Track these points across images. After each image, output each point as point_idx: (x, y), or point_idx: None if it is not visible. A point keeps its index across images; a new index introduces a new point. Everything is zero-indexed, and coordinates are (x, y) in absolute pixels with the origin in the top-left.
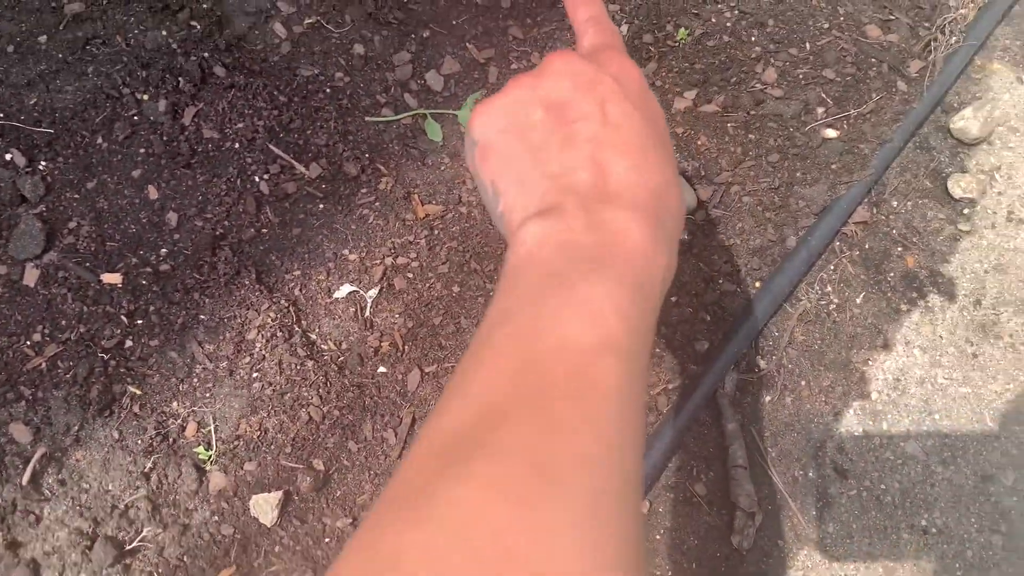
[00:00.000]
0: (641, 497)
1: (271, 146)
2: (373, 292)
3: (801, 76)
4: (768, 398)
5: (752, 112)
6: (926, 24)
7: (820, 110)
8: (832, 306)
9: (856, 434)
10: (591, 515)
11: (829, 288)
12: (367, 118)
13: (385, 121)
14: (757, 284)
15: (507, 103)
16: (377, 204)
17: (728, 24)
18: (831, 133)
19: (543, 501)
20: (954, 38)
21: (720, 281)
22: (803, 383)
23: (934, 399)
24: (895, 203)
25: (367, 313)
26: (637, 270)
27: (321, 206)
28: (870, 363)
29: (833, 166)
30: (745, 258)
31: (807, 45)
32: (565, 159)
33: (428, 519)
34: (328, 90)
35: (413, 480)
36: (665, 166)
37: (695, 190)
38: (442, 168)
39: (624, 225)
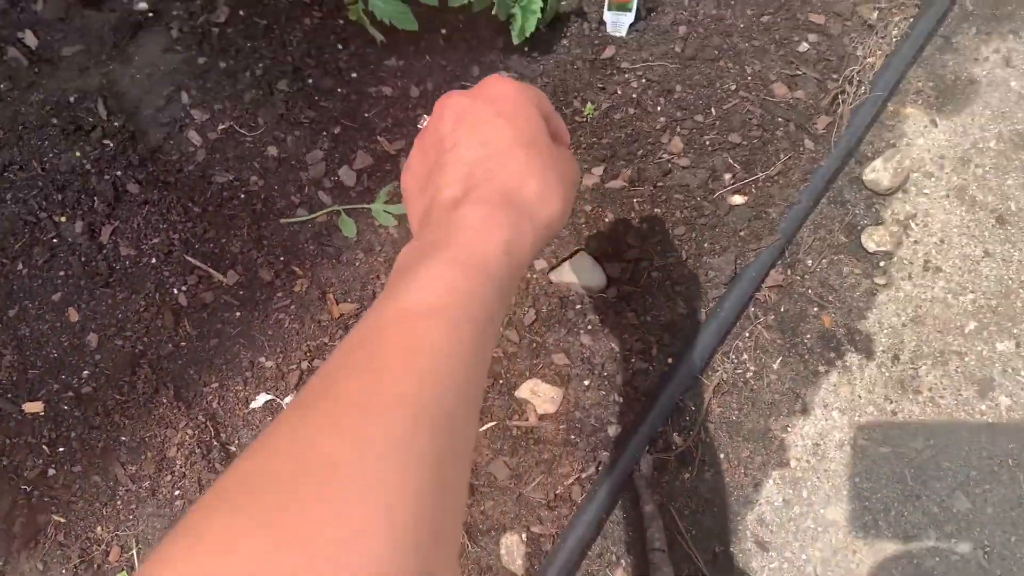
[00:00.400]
0: (467, 433)
1: (188, 257)
2: (290, 399)
3: (708, 143)
4: (687, 475)
5: (659, 184)
6: (834, 76)
7: (727, 176)
8: (749, 374)
9: (776, 504)
10: (408, 440)
11: (745, 356)
12: (282, 220)
13: (300, 221)
14: (670, 360)
15: (415, 154)
16: (292, 307)
17: (634, 95)
18: (738, 199)
19: (366, 429)
20: (862, 88)
21: (632, 360)
22: (721, 456)
23: (854, 462)
24: (810, 262)
25: None
26: (472, 248)
27: (238, 314)
28: (789, 430)
29: (742, 233)
30: (657, 334)
31: (713, 110)
32: (439, 182)
33: (273, 448)
34: (243, 195)
35: (274, 426)
36: (530, 161)
37: (603, 268)
38: (357, 264)
39: (464, 215)
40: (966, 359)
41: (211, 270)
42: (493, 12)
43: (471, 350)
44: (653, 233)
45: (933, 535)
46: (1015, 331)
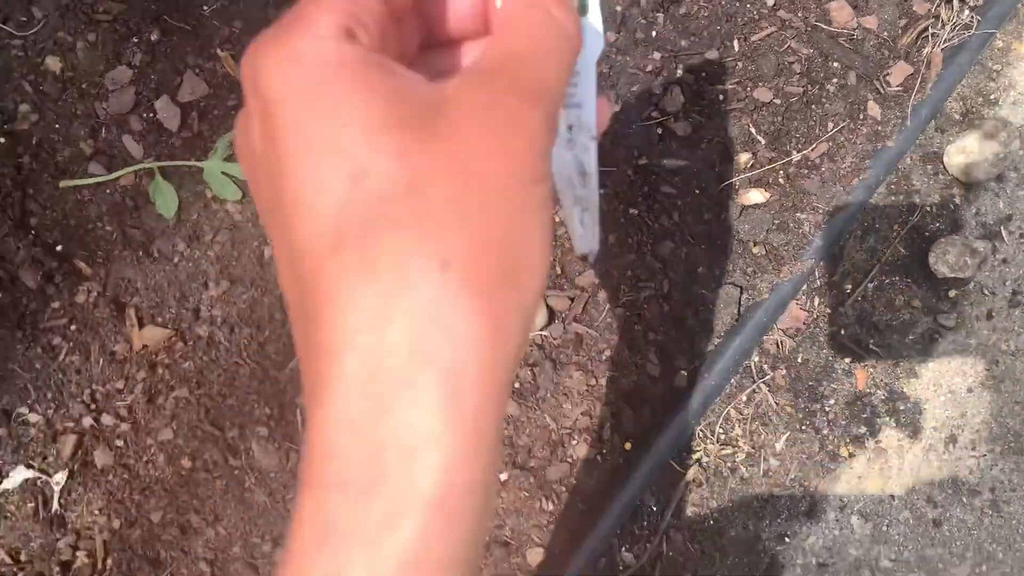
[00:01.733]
0: None
1: None
2: (61, 477)
3: (722, 98)
4: None
5: (640, 164)
6: None
7: (744, 157)
8: (739, 457)
9: None
10: None
11: (737, 431)
12: (62, 183)
13: (91, 184)
14: (627, 445)
15: None
16: (73, 328)
17: (618, 6)
18: (756, 196)
19: None
20: (965, 14)
21: (574, 443)
22: None
23: None
24: (848, 286)
25: (54, 507)
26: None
27: None
28: (787, 540)
29: (755, 251)
30: (613, 405)
31: (735, 43)
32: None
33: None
34: (5, 139)
35: None
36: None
37: (544, 299)
38: (176, 261)
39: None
40: None
41: None
42: None
43: None
44: (623, 248)
45: None
46: None
